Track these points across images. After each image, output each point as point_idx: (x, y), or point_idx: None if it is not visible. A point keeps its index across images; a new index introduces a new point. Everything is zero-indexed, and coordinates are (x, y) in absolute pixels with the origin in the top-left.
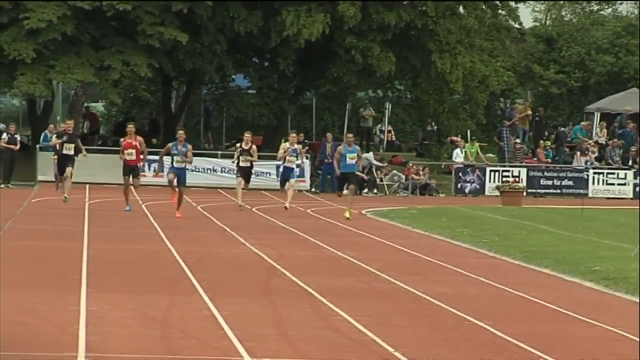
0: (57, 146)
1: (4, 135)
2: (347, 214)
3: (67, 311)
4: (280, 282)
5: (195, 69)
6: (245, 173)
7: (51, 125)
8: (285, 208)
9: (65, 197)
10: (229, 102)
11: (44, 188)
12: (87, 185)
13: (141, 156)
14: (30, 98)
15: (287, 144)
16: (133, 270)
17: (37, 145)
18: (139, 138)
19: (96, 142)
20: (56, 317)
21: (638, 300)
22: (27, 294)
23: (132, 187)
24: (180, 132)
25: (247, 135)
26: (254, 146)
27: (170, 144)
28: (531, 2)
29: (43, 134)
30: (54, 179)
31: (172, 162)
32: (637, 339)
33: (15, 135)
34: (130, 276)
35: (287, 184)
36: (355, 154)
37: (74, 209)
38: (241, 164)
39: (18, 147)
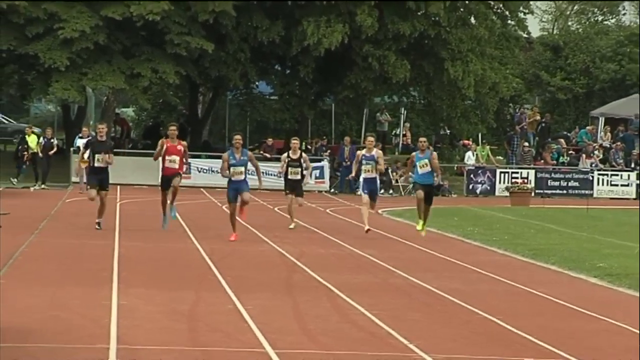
0: (88, 157)
1: (41, 139)
2: (418, 227)
3: (99, 305)
4: (301, 278)
5: (221, 76)
6: (294, 187)
7: (84, 129)
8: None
9: (99, 224)
10: (253, 107)
11: (77, 189)
12: (118, 187)
13: (184, 165)
14: (64, 104)
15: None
16: (161, 267)
17: (71, 149)
18: (183, 142)
19: (127, 145)
20: (89, 311)
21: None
22: (62, 289)
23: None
24: (237, 137)
25: (295, 142)
26: (304, 154)
27: (225, 154)
28: (539, 13)
29: (75, 138)
30: (80, 181)
31: (229, 176)
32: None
33: (52, 140)
34: (158, 272)
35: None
36: (428, 160)
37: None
38: (290, 176)
39: (54, 150)
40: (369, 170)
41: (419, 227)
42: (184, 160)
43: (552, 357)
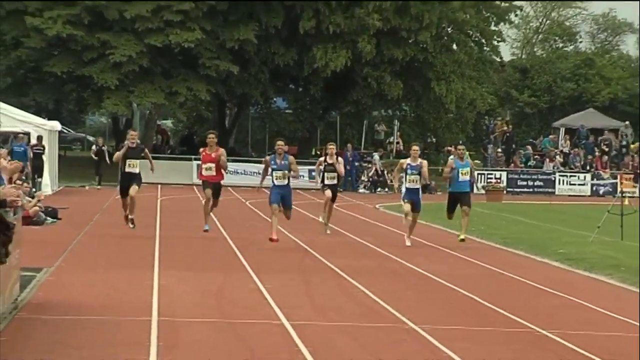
0: (120, 163)
1: (94, 147)
2: (461, 236)
3: (143, 285)
4: (311, 262)
5: (244, 93)
6: (333, 191)
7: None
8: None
9: (132, 221)
10: (271, 119)
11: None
12: (159, 186)
13: (223, 172)
14: (114, 116)
15: (268, 158)
16: (195, 253)
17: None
18: (221, 150)
19: (166, 151)
20: (134, 289)
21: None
22: (111, 271)
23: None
24: (280, 142)
25: (331, 147)
26: (340, 158)
27: (267, 157)
28: (509, 40)
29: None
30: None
31: (272, 180)
32: (592, 306)
33: (103, 147)
34: (192, 258)
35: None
36: (469, 169)
37: (147, 205)
38: (327, 181)
39: (106, 155)
40: (413, 181)
41: (461, 237)
42: (222, 167)
43: (520, 328)
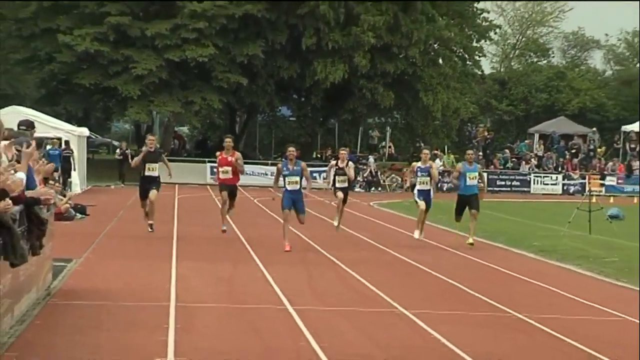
0: (139, 167)
1: (118, 150)
2: (470, 240)
3: (162, 274)
4: (313, 254)
5: (253, 102)
6: (345, 193)
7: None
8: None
9: (151, 226)
10: (276, 126)
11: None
12: (176, 185)
13: (239, 175)
14: (136, 123)
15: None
16: (209, 246)
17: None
18: (237, 153)
19: (182, 154)
20: (154, 278)
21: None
22: (134, 262)
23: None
24: (291, 149)
25: (343, 152)
26: (350, 163)
27: (279, 165)
28: (490, 55)
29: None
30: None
31: (284, 185)
32: (560, 291)
33: (126, 151)
34: (206, 249)
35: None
36: (477, 173)
37: (166, 202)
38: (338, 184)
39: (129, 158)
40: (424, 183)
41: (469, 241)
42: (239, 170)
43: (498, 312)
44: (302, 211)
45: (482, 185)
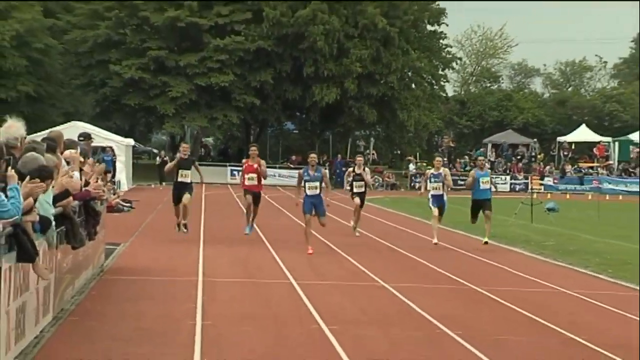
0: (173, 173)
1: (157, 157)
2: (485, 239)
3: (191, 255)
4: (313, 240)
5: (264, 118)
6: (361, 198)
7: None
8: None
9: (185, 228)
10: (283, 137)
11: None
12: (203, 185)
13: (262, 182)
14: (171, 135)
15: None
16: (229, 233)
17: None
18: (261, 161)
19: (208, 160)
20: (185, 258)
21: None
22: (170, 245)
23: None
24: (312, 155)
25: (359, 159)
26: (366, 168)
27: (301, 170)
28: (452, 81)
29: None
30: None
31: (305, 190)
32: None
33: (165, 158)
34: (227, 236)
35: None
36: (489, 178)
37: (195, 198)
38: (355, 189)
39: (166, 162)
40: (436, 188)
41: (485, 239)
42: (262, 175)
43: (461, 286)
44: (323, 214)
45: (494, 189)
